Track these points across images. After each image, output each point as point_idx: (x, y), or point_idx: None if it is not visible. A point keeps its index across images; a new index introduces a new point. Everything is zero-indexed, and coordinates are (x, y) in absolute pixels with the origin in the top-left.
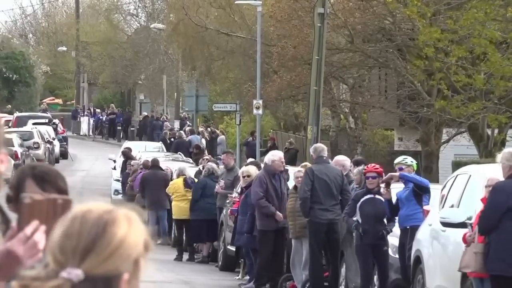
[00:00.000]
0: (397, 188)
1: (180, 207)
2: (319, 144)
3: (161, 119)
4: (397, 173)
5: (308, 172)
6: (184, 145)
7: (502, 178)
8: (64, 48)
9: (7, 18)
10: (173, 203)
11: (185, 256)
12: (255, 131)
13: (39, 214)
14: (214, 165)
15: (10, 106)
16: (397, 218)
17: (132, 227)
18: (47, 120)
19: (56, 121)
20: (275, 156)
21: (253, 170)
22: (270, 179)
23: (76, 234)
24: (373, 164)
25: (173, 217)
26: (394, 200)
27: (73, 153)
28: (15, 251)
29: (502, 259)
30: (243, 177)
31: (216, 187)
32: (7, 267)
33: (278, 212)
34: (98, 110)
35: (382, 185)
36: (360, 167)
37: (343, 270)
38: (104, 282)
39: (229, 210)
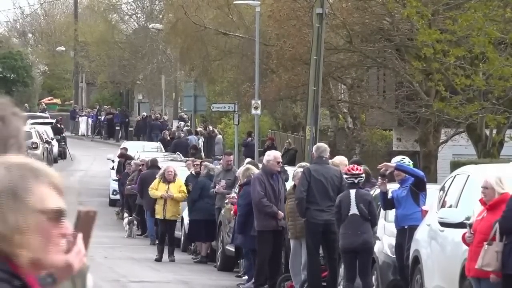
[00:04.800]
0: (392, 188)
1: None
2: (322, 144)
3: (160, 119)
4: (392, 164)
5: (305, 173)
6: (183, 145)
7: (494, 178)
8: (63, 48)
9: (6, 18)
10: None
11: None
12: (252, 131)
13: (83, 226)
14: (212, 165)
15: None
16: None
17: None
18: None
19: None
20: (270, 156)
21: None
22: (268, 179)
23: None
24: (356, 166)
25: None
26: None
27: (71, 153)
28: (74, 264)
29: None
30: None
31: (217, 187)
32: (63, 278)
33: (280, 212)
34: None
35: (379, 178)
36: (362, 168)
37: (341, 270)
38: None
39: (232, 211)
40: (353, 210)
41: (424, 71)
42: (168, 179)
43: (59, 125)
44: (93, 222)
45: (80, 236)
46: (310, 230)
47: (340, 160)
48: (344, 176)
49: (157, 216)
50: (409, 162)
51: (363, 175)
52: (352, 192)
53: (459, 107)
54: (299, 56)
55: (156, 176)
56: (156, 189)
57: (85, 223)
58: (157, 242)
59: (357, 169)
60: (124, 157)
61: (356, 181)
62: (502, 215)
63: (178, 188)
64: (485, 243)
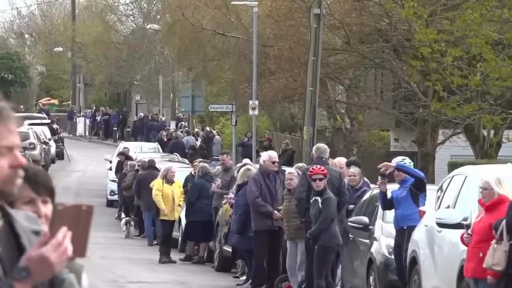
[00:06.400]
0: (392, 188)
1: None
2: (322, 145)
3: (158, 120)
4: (393, 163)
5: (305, 173)
6: (180, 145)
7: (493, 178)
8: (60, 49)
9: (3, 19)
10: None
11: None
12: (249, 131)
13: (67, 220)
14: (207, 165)
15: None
16: (393, 218)
17: None
18: (46, 120)
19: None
20: (265, 156)
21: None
22: (264, 179)
23: None
24: (318, 166)
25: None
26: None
27: (69, 153)
28: (50, 258)
29: None
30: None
31: (213, 186)
32: (41, 272)
33: (275, 211)
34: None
35: (379, 178)
36: (358, 168)
37: (339, 270)
38: None
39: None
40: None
41: (422, 72)
42: (171, 180)
43: (53, 126)
44: (86, 217)
45: (63, 230)
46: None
47: (340, 161)
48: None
49: (166, 218)
50: (409, 162)
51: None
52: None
53: (456, 107)
54: (296, 57)
55: (158, 178)
56: (162, 190)
57: (70, 217)
58: (155, 242)
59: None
60: (124, 155)
61: None
62: (509, 214)
63: (179, 188)
64: (492, 242)
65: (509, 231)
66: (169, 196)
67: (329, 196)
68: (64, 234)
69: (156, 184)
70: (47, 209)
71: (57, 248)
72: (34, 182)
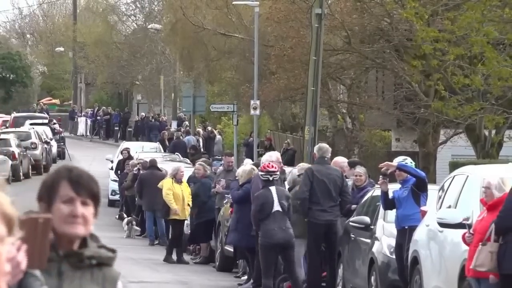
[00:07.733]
0: (393, 188)
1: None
2: (324, 144)
3: (160, 120)
4: (394, 163)
5: (307, 173)
6: (182, 145)
7: (497, 179)
8: (62, 49)
9: (4, 18)
10: None
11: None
12: (253, 131)
13: (23, 233)
14: (204, 164)
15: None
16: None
17: None
18: (46, 120)
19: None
20: (272, 156)
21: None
22: None
23: None
24: (267, 163)
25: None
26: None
27: (70, 153)
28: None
29: None
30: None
31: (217, 186)
32: None
33: None
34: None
35: (380, 177)
36: (363, 168)
37: (340, 270)
38: None
39: (230, 210)
40: (276, 207)
41: (423, 72)
42: (180, 180)
43: (52, 126)
44: (44, 229)
45: (17, 247)
46: (312, 230)
47: (336, 161)
48: (260, 173)
49: (176, 217)
50: (411, 162)
51: (278, 173)
52: (273, 189)
53: (457, 107)
54: (298, 58)
55: (168, 177)
56: (172, 190)
57: (26, 230)
58: (156, 242)
59: (272, 166)
60: (128, 153)
61: (271, 178)
62: (498, 215)
63: (187, 188)
64: (480, 243)
65: (497, 232)
66: (179, 196)
67: (258, 193)
68: (17, 247)
69: (166, 184)
70: (85, 210)
71: (9, 260)
72: (76, 183)
